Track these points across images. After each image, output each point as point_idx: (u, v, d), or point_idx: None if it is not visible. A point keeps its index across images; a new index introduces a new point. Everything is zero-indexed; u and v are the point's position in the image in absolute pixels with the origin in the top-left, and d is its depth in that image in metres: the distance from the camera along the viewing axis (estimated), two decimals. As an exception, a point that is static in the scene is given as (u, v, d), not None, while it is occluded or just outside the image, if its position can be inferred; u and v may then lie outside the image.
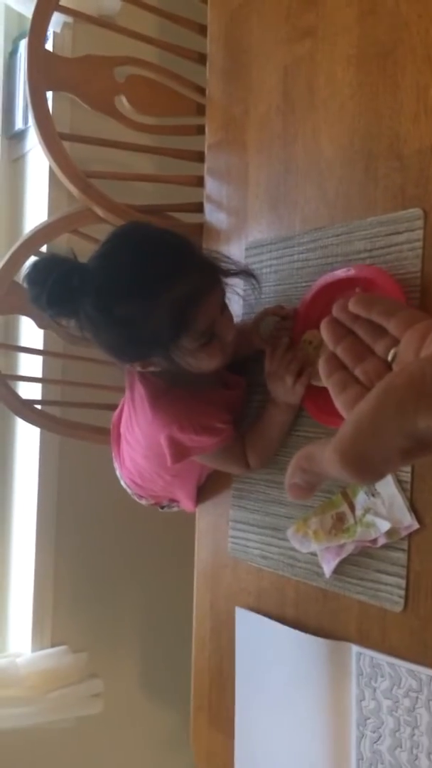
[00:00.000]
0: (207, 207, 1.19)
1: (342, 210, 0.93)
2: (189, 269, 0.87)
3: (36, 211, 1.66)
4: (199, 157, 1.23)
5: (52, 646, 1.64)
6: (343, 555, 0.87)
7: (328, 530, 0.88)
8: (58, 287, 0.87)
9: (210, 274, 0.90)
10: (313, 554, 0.93)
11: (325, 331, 0.55)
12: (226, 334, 0.91)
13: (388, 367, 0.50)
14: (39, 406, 1.44)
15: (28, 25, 1.62)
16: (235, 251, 1.11)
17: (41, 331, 1.52)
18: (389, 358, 0.50)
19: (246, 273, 1.00)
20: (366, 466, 0.40)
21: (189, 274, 0.87)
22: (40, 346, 1.55)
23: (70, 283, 0.86)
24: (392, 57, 0.87)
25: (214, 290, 0.89)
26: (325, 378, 0.53)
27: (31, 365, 1.62)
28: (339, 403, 0.51)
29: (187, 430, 0.94)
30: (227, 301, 0.94)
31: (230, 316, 0.94)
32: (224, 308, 0.93)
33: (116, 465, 1.16)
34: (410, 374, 0.38)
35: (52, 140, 1.20)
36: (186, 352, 0.89)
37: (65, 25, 1.58)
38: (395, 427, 0.38)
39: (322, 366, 0.53)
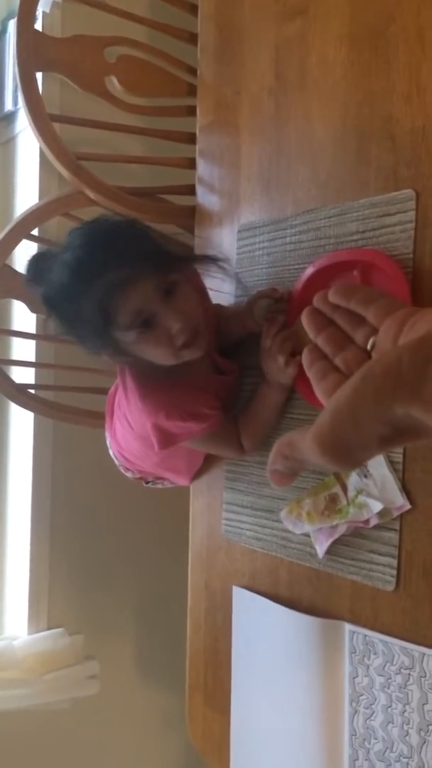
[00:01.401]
0: (199, 189, 1.18)
1: (334, 192, 0.93)
2: (124, 259, 0.85)
3: (26, 194, 1.65)
4: (191, 138, 1.22)
5: (49, 628, 1.65)
6: (336, 536, 0.88)
7: (321, 511, 0.89)
8: (30, 272, 0.92)
9: (146, 263, 0.86)
10: (306, 535, 0.94)
11: (306, 321, 0.56)
12: (171, 323, 0.87)
13: (368, 355, 0.50)
14: (32, 391, 1.44)
15: (16, 5, 1.61)
16: (228, 234, 1.11)
17: (33, 316, 1.51)
18: (368, 346, 0.50)
19: (209, 259, 0.98)
20: (344, 453, 0.40)
21: (122, 265, 0.85)
22: (32, 330, 1.54)
23: (39, 267, 0.91)
24: (384, 36, 0.86)
25: (144, 279, 0.85)
26: (306, 367, 0.53)
27: (23, 350, 1.61)
28: (319, 392, 0.51)
29: (173, 417, 0.93)
30: (182, 287, 0.91)
31: (181, 304, 0.89)
32: (170, 295, 0.88)
33: (107, 435, 1.16)
34: (387, 362, 0.39)
35: (42, 122, 1.18)
36: (128, 344, 0.89)
37: (54, 4, 1.56)
38: (373, 415, 0.38)
39: (304, 356, 0.54)
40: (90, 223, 0.93)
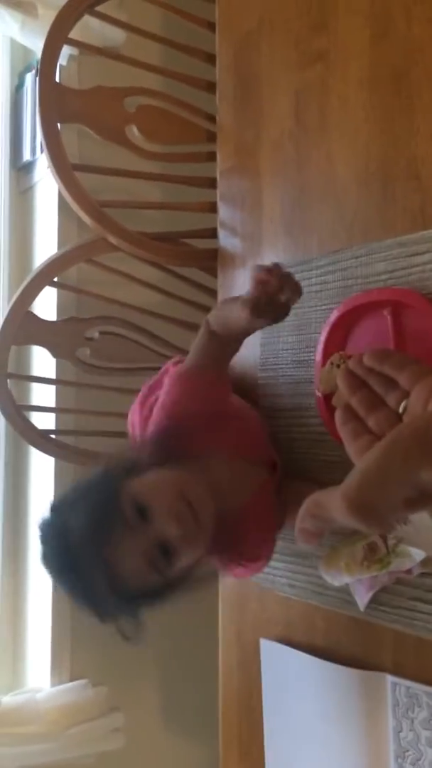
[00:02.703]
0: (221, 233, 1.19)
1: (360, 232, 0.93)
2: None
3: (46, 242, 1.67)
4: (211, 183, 1.23)
5: (72, 680, 1.61)
6: (377, 587, 0.85)
7: (360, 561, 0.86)
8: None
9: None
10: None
11: (341, 383, 0.57)
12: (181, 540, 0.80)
13: (399, 418, 0.52)
14: (53, 436, 1.43)
15: (33, 59, 1.65)
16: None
17: (53, 361, 1.52)
18: (400, 410, 0.52)
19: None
20: (372, 514, 0.42)
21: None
22: (53, 375, 1.54)
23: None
24: (406, 79, 0.87)
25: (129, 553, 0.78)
26: (339, 426, 0.55)
27: (44, 395, 1.61)
28: (350, 451, 0.52)
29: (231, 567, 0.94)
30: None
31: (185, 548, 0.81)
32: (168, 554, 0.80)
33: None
34: (416, 427, 0.41)
35: (65, 171, 1.20)
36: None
37: (71, 57, 1.60)
38: (400, 477, 0.40)
39: (338, 415, 0.56)
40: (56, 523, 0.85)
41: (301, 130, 1.03)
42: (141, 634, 0.84)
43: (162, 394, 0.96)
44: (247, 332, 0.92)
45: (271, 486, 0.97)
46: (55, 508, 0.86)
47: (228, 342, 0.95)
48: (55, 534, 0.83)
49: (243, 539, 0.92)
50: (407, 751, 0.84)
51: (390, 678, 0.85)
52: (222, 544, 0.87)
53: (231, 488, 0.88)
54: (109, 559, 0.78)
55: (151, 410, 0.99)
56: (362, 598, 0.87)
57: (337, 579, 0.90)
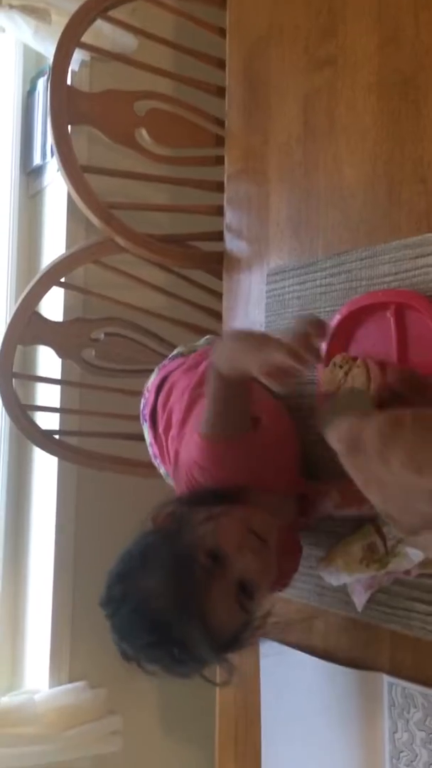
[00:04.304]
0: (227, 236, 1.20)
1: (365, 234, 0.93)
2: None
3: (53, 244, 1.68)
4: (218, 187, 1.24)
5: (70, 681, 1.61)
6: (375, 587, 0.86)
7: (359, 560, 0.86)
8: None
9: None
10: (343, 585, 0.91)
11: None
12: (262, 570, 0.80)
13: None
14: (57, 436, 1.44)
15: (46, 65, 1.67)
16: (257, 278, 1.12)
17: (59, 361, 1.53)
18: None
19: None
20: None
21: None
22: (57, 375, 1.55)
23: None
24: (414, 84, 0.88)
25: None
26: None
27: (48, 395, 1.62)
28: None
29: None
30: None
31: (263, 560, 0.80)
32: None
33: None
34: None
35: (74, 172, 1.22)
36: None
37: (83, 62, 1.62)
38: None
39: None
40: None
41: (308, 135, 1.04)
42: (233, 675, 0.83)
43: (188, 459, 0.90)
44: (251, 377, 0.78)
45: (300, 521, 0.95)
46: (119, 579, 0.83)
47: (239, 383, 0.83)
48: (133, 605, 0.80)
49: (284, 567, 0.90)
50: (402, 751, 0.84)
51: (386, 678, 0.85)
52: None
53: (277, 516, 0.87)
54: (201, 611, 0.76)
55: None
56: (360, 599, 0.87)
57: (335, 578, 0.90)
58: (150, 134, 1.30)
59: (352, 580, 0.88)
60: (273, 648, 1.01)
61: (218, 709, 1.13)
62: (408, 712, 0.83)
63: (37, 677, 1.64)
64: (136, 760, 1.69)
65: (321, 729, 0.93)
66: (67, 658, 1.63)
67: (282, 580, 0.93)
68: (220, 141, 1.27)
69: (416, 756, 0.82)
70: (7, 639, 1.71)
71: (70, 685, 1.60)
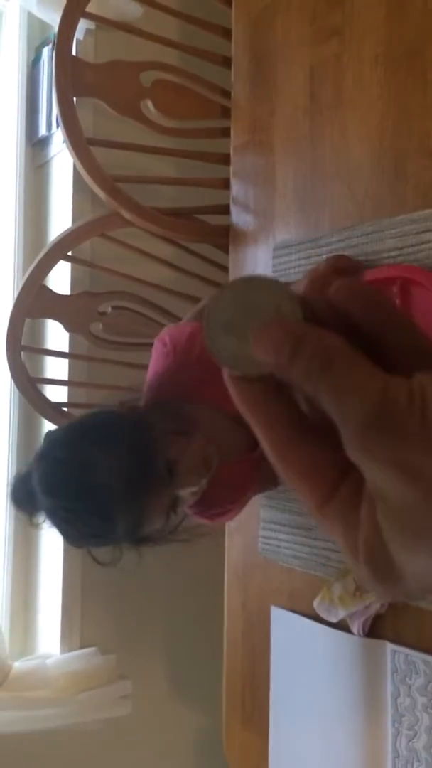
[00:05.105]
0: (233, 209, 1.20)
1: (371, 209, 0.93)
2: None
3: (60, 218, 1.68)
4: (224, 159, 1.23)
5: (81, 647, 1.65)
6: (370, 614, 0.88)
7: (353, 593, 0.89)
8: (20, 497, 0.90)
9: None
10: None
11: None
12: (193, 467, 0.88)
13: None
14: (65, 409, 1.45)
15: (50, 33, 1.65)
16: (263, 252, 1.12)
17: (67, 335, 1.53)
18: None
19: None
20: None
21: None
22: (65, 349, 1.56)
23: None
24: (421, 56, 0.87)
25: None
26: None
27: (56, 368, 1.63)
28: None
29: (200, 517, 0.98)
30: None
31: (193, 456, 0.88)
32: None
33: None
34: None
35: (80, 145, 1.21)
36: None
37: (87, 32, 1.60)
38: None
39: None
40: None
41: (315, 107, 1.03)
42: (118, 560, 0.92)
43: (174, 330, 1.00)
44: None
45: (253, 456, 0.99)
46: (66, 444, 0.88)
47: None
48: (74, 469, 0.84)
49: (218, 496, 0.96)
50: (404, 716, 0.86)
51: (390, 646, 0.87)
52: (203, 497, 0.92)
53: (224, 447, 0.93)
54: (136, 505, 0.83)
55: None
56: (357, 627, 0.90)
57: (333, 614, 0.92)
58: (156, 105, 1.29)
59: (348, 614, 0.90)
60: (284, 615, 1.04)
61: (225, 674, 1.17)
62: (410, 678, 0.86)
63: (49, 643, 1.68)
64: (146, 723, 1.74)
65: (326, 694, 0.96)
66: (78, 625, 1.66)
67: (213, 508, 0.98)
68: (226, 112, 1.26)
69: (417, 720, 0.85)
70: (20, 607, 1.75)
71: (81, 651, 1.64)
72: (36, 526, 0.88)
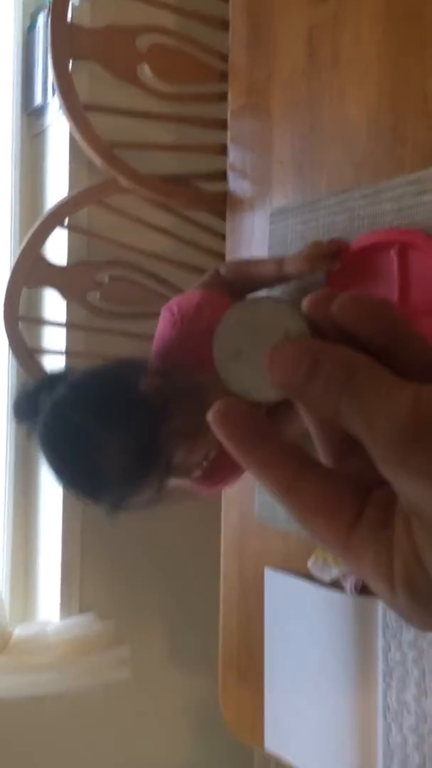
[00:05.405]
0: (230, 175, 1.19)
1: (369, 171, 0.93)
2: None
3: (56, 186, 1.67)
4: (222, 124, 1.23)
5: (80, 613, 1.67)
6: None
7: None
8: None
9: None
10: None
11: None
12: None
13: None
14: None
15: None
16: (260, 218, 1.12)
17: (63, 306, 1.54)
18: None
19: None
20: None
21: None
22: (63, 319, 1.56)
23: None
24: (420, 15, 0.86)
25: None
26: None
27: (54, 338, 1.64)
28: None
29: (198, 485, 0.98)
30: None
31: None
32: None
33: None
34: None
35: (76, 110, 1.20)
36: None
37: (83, -4, 1.58)
38: None
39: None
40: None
41: (313, 68, 1.02)
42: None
43: (182, 298, 0.99)
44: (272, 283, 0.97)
45: None
46: (94, 402, 0.86)
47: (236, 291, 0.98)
48: (84, 433, 0.84)
49: (217, 467, 0.96)
50: (394, 669, 0.88)
51: (381, 602, 0.89)
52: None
53: None
54: (129, 485, 0.86)
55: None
56: (350, 586, 0.92)
57: (327, 573, 0.94)
58: (152, 70, 1.28)
59: (341, 573, 0.92)
60: (277, 576, 1.06)
61: (221, 635, 1.19)
62: (400, 634, 0.87)
63: (48, 609, 1.71)
64: (144, 687, 1.77)
65: (319, 650, 0.98)
66: (77, 591, 1.68)
67: (213, 477, 0.98)
68: (224, 77, 1.25)
69: (407, 672, 0.87)
70: (20, 572, 1.77)
71: (80, 617, 1.66)
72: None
